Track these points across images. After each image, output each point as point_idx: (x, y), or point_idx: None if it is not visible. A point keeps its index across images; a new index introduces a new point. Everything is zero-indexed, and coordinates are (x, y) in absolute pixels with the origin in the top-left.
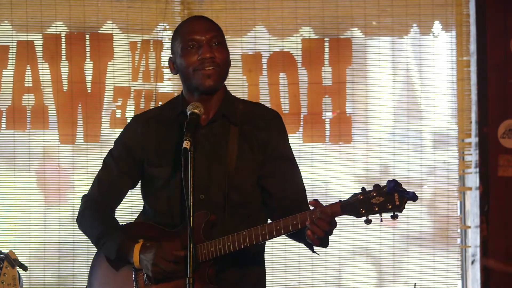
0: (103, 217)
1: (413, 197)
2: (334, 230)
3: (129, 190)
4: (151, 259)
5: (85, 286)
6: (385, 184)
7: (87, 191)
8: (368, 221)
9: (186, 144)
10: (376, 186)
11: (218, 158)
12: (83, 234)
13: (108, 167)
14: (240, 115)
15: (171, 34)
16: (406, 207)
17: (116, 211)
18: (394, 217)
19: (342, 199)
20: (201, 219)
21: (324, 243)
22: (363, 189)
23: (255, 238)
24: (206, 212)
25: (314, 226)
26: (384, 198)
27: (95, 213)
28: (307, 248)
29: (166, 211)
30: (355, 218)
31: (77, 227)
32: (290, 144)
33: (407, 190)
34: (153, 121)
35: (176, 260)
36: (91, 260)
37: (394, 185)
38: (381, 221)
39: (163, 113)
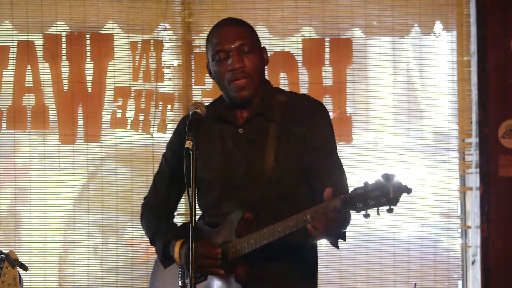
0: (157, 219)
1: (407, 190)
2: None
3: None
4: (183, 252)
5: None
6: (381, 177)
7: (147, 193)
8: (366, 216)
9: (188, 144)
10: (376, 180)
11: (256, 157)
12: (83, 234)
13: (161, 169)
14: (280, 109)
15: (172, 34)
16: (407, 206)
17: None
18: (389, 210)
19: (343, 195)
20: (236, 217)
21: (334, 237)
22: (365, 183)
23: (272, 235)
24: (241, 211)
25: (315, 220)
26: (379, 192)
27: (150, 216)
28: None
29: (212, 210)
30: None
31: (78, 227)
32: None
33: (402, 182)
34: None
35: (207, 255)
36: (92, 260)
37: (389, 178)
38: (378, 214)
39: (207, 114)
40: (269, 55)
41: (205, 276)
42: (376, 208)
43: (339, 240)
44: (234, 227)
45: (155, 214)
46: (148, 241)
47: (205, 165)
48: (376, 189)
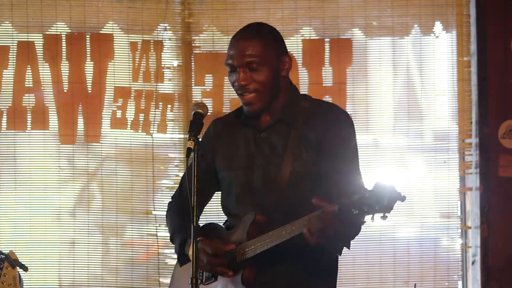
0: (179, 218)
1: (401, 198)
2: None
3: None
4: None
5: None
6: (377, 184)
7: (174, 192)
8: (361, 222)
9: (190, 144)
10: (371, 187)
11: (275, 162)
12: (83, 234)
13: None
14: (302, 116)
15: (172, 34)
16: (407, 206)
17: None
18: (383, 217)
19: (341, 200)
20: (248, 220)
21: (333, 244)
22: (362, 189)
23: (276, 239)
24: (253, 213)
25: (311, 224)
26: (375, 199)
27: (173, 214)
28: None
29: (231, 212)
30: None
31: (78, 227)
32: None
33: (397, 190)
34: (222, 125)
35: (215, 253)
36: (91, 261)
37: (384, 185)
38: (373, 220)
39: (231, 119)
40: None
41: (215, 277)
42: (371, 215)
43: (343, 247)
44: (246, 230)
45: (178, 212)
46: (147, 241)
47: (228, 166)
48: (372, 196)
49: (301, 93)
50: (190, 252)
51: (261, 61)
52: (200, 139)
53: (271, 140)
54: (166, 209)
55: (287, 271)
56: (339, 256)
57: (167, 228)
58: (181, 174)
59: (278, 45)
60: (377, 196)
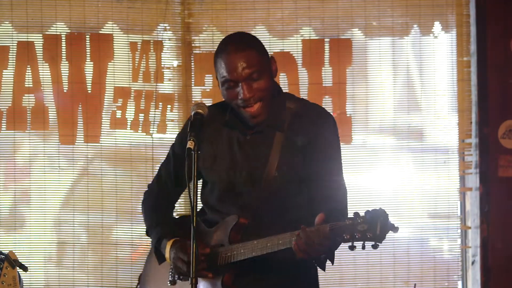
0: (155, 210)
1: (394, 229)
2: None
3: None
4: (172, 256)
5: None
6: (371, 211)
7: (151, 180)
8: (351, 247)
9: (190, 144)
10: (365, 214)
11: (259, 165)
12: (83, 234)
13: (168, 160)
14: (288, 118)
15: (171, 34)
16: (407, 206)
17: None
18: (374, 246)
19: (332, 223)
20: (230, 222)
21: (320, 260)
22: (355, 213)
23: (261, 250)
24: (236, 216)
25: (300, 241)
26: (367, 227)
27: (149, 206)
28: None
29: (213, 208)
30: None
31: (77, 226)
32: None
33: (390, 221)
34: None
35: (190, 260)
36: (91, 260)
37: (378, 214)
38: (363, 248)
39: (215, 115)
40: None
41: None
42: (362, 242)
43: (327, 261)
44: (228, 232)
45: (154, 204)
46: (147, 241)
47: (210, 166)
48: (364, 223)
49: (284, 91)
50: (167, 255)
51: (261, 70)
52: (182, 129)
53: (256, 142)
54: (146, 201)
55: (268, 278)
56: (337, 260)
57: (144, 217)
58: None
59: (265, 49)
60: (370, 224)
